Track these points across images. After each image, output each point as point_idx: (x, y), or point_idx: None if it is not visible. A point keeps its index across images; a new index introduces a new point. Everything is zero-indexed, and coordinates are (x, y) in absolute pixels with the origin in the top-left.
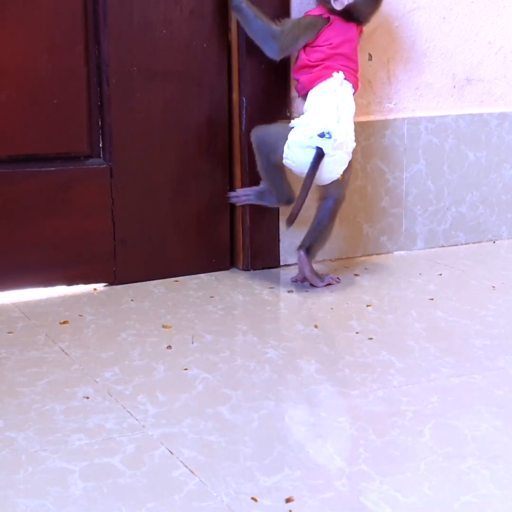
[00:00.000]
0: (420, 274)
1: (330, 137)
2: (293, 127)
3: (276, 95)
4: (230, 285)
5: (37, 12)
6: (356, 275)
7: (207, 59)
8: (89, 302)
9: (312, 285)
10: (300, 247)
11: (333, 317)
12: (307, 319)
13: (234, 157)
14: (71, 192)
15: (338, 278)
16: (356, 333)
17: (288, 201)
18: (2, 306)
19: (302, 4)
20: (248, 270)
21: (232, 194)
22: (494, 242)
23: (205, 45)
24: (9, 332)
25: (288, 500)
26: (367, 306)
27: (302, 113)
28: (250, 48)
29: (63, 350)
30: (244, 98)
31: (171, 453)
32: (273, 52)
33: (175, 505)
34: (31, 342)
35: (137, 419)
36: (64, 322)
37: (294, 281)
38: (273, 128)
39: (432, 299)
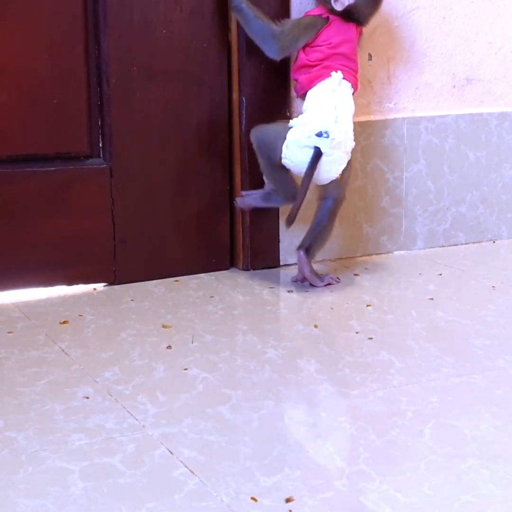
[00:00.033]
0: (420, 274)
1: (327, 137)
2: (291, 127)
3: (276, 95)
4: (230, 285)
5: (37, 12)
6: (356, 275)
7: (207, 59)
8: (89, 302)
9: (312, 285)
10: (299, 247)
11: (333, 317)
12: (307, 319)
13: (234, 157)
14: (71, 192)
15: (338, 278)
16: (356, 333)
17: (295, 198)
18: (2, 306)
19: (302, 4)
20: (248, 270)
21: (238, 199)
22: (494, 242)
23: (205, 45)
24: (9, 332)
25: (288, 500)
26: (367, 306)
27: (302, 113)
28: (250, 48)
29: (63, 350)
30: (244, 98)
31: (171, 453)
32: (273, 52)
33: (175, 505)
34: (31, 342)
35: (137, 419)
36: (64, 322)
37: (294, 281)
38: (272, 128)
39: (432, 299)
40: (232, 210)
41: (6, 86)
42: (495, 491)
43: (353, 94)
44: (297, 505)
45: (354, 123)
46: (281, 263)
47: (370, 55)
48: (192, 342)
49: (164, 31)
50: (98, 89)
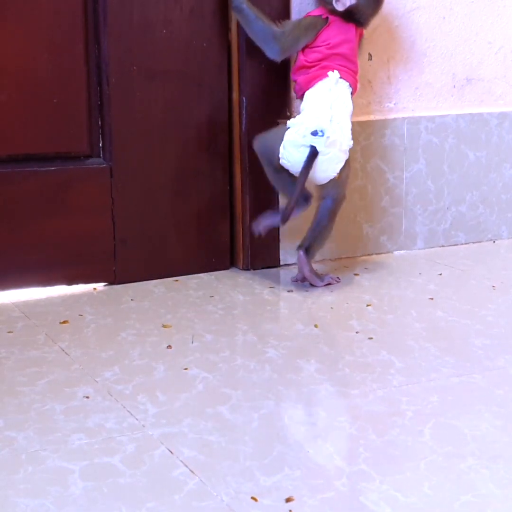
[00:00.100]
0: (420, 273)
1: (323, 135)
2: (289, 127)
3: (276, 95)
4: (230, 285)
5: (37, 12)
6: (356, 274)
7: (207, 59)
8: (89, 301)
9: (312, 285)
10: (299, 247)
11: (333, 316)
12: (307, 319)
13: (234, 157)
14: (71, 192)
15: (338, 277)
16: (356, 332)
17: (307, 200)
18: (2, 305)
19: (302, 4)
20: (248, 269)
21: (254, 224)
22: (494, 241)
23: (205, 45)
24: (9, 332)
25: (288, 500)
26: (367, 305)
27: (299, 113)
28: (250, 48)
29: (63, 350)
30: (244, 98)
31: (171, 452)
32: (274, 53)
33: (175, 505)
34: (31, 341)
35: (137, 419)
36: (64, 322)
37: (294, 281)
38: (271, 132)
39: (432, 298)
40: (232, 210)
41: (6, 86)
42: (495, 491)
43: (352, 94)
44: (297, 505)
45: (354, 123)
46: (281, 263)
47: (370, 55)
48: (192, 342)
49: (164, 31)
50: (98, 89)
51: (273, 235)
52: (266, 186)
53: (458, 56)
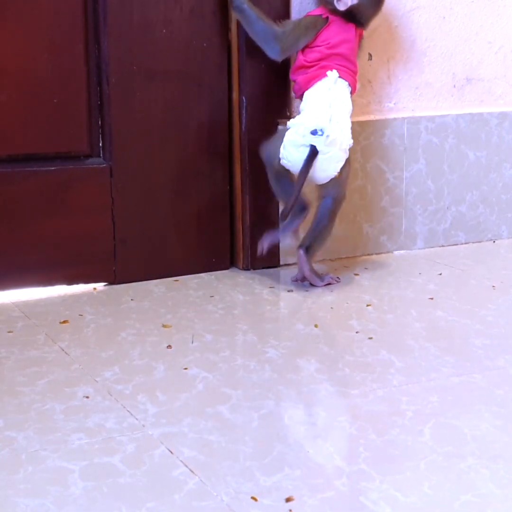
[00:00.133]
0: (420, 273)
1: (322, 134)
2: (289, 128)
3: (276, 94)
4: (230, 285)
5: (37, 12)
6: (356, 274)
7: (207, 59)
8: (89, 301)
9: (312, 285)
10: (299, 246)
11: (333, 316)
12: (307, 319)
13: (234, 157)
14: (71, 192)
15: (338, 277)
16: (356, 332)
17: (303, 210)
18: (2, 305)
19: (302, 4)
20: (248, 269)
21: (258, 244)
22: (494, 241)
23: (205, 45)
24: (9, 332)
25: (288, 500)
26: (367, 305)
27: (299, 114)
28: (250, 48)
29: (63, 350)
30: (244, 98)
31: (171, 452)
32: (274, 53)
33: (175, 505)
34: (31, 341)
35: (137, 419)
36: (64, 322)
37: (294, 280)
38: (274, 137)
39: (432, 298)
40: (232, 210)
41: (6, 86)
42: (495, 490)
43: (351, 94)
44: (297, 504)
45: (354, 122)
46: (281, 263)
47: (370, 55)
48: (192, 342)
49: (164, 30)
50: (98, 88)
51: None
52: (266, 186)
53: (458, 56)
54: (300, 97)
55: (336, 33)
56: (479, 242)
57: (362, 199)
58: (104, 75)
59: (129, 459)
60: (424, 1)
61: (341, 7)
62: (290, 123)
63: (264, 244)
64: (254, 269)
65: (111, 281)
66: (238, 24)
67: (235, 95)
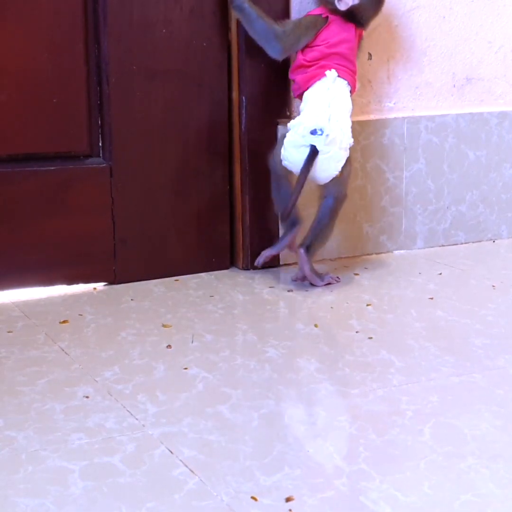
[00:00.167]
0: (420, 273)
1: (322, 134)
2: (289, 129)
3: (276, 94)
4: (230, 285)
5: (37, 12)
6: (356, 274)
7: (207, 59)
8: (89, 301)
9: (312, 284)
10: (300, 245)
11: (333, 316)
12: (307, 318)
13: (234, 157)
14: (71, 192)
15: (338, 277)
16: (356, 332)
17: (294, 224)
18: (2, 305)
19: (302, 4)
20: (248, 269)
21: (256, 261)
22: (494, 241)
23: (205, 45)
24: (9, 331)
25: (288, 499)
26: (367, 305)
27: (299, 114)
28: (250, 47)
29: (63, 350)
30: (244, 98)
31: (171, 452)
32: (276, 52)
33: (175, 505)
34: (31, 341)
35: (137, 419)
36: (64, 322)
37: (294, 280)
38: (278, 143)
39: (432, 298)
40: (232, 210)
41: (6, 86)
42: (495, 490)
43: (351, 93)
44: (297, 504)
45: (354, 122)
46: (281, 262)
47: (370, 55)
48: (192, 342)
49: (164, 30)
50: (98, 88)
51: (273, 235)
52: (266, 186)
53: (458, 55)
54: (299, 96)
55: (336, 32)
56: (479, 241)
57: (362, 199)
58: (104, 75)
59: (129, 459)
60: (424, 0)
61: (342, 7)
62: (290, 124)
63: (260, 260)
64: (254, 269)
65: (111, 281)
66: (238, 24)
67: (235, 95)
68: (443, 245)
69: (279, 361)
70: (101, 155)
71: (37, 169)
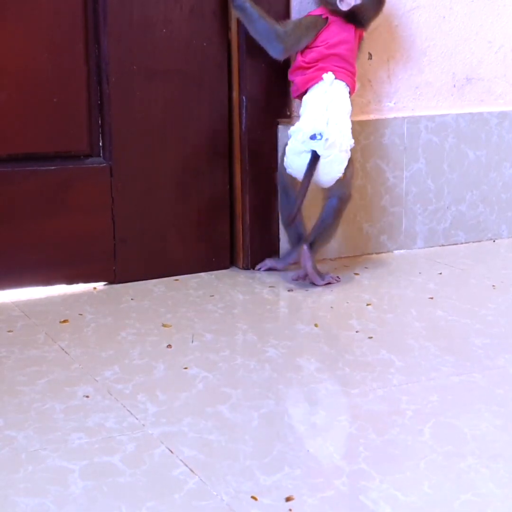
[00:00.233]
0: (420, 273)
1: (321, 138)
2: (290, 136)
3: (277, 94)
4: (230, 284)
5: (37, 12)
6: (356, 274)
7: (207, 58)
8: (89, 301)
9: (312, 283)
10: (304, 241)
11: (333, 316)
12: (307, 318)
13: (234, 157)
14: (71, 191)
15: (338, 277)
16: (356, 332)
17: (299, 239)
18: (2, 305)
19: (302, 4)
20: (248, 269)
21: (259, 265)
22: (494, 241)
23: (205, 44)
24: (9, 331)
25: (288, 499)
26: (367, 305)
27: (299, 117)
28: (251, 47)
29: (63, 349)
30: (244, 97)
31: (171, 452)
32: (277, 52)
33: (175, 504)
34: (31, 341)
35: (137, 418)
36: (64, 321)
37: (295, 279)
38: (282, 155)
39: (432, 298)
40: (232, 209)
41: (6, 85)
42: (495, 490)
43: (350, 94)
44: (297, 504)
45: (354, 122)
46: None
47: (370, 54)
48: (192, 341)
49: (164, 30)
50: (98, 88)
51: (273, 235)
52: (266, 186)
53: (458, 55)
54: (298, 97)
55: (336, 33)
56: (479, 241)
57: (362, 198)
58: (104, 75)
59: (129, 459)
60: (424, 0)
61: (344, 7)
62: (290, 131)
63: (262, 268)
64: (254, 268)
65: (111, 281)
66: (238, 24)
67: (235, 94)
68: (443, 245)
69: (279, 361)
70: (101, 155)
71: (37, 169)
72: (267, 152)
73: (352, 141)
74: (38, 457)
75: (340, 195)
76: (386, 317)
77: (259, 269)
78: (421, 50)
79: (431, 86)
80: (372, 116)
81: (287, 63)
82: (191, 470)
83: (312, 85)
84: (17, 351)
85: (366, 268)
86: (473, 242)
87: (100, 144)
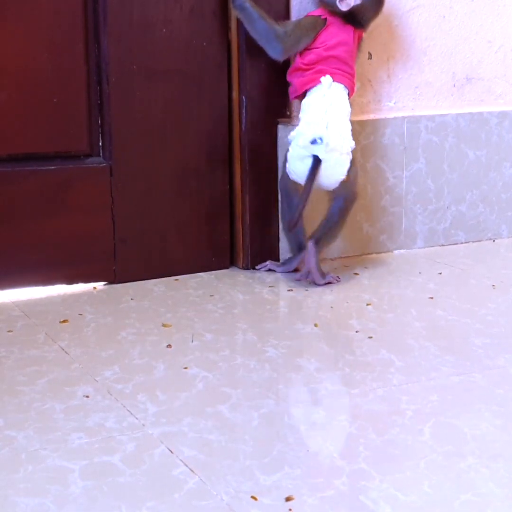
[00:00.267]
0: (420, 273)
1: (322, 142)
2: (291, 141)
3: (276, 94)
4: (230, 284)
5: (37, 12)
6: (356, 274)
7: (207, 58)
8: (89, 301)
9: (312, 283)
10: (310, 238)
11: (333, 315)
12: (307, 318)
13: (234, 157)
14: (71, 191)
15: (338, 277)
16: (356, 331)
17: (300, 248)
18: (2, 305)
19: (302, 4)
20: (248, 269)
21: (260, 265)
22: (494, 241)
23: (205, 44)
24: (9, 331)
25: (288, 499)
26: (367, 304)
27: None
28: (250, 47)
29: (63, 349)
30: (244, 97)
31: (171, 452)
32: (276, 53)
33: (175, 504)
34: (31, 341)
35: (137, 418)
36: (64, 321)
37: (298, 279)
38: (284, 163)
39: (432, 297)
40: (232, 209)
41: (6, 85)
42: (495, 490)
43: (349, 95)
44: (297, 503)
45: (354, 122)
46: (281, 262)
47: (370, 54)
48: (192, 341)
49: (164, 30)
50: (98, 88)
51: (273, 235)
52: (266, 185)
53: (458, 55)
54: (296, 98)
55: (334, 35)
56: (479, 241)
57: (362, 198)
58: (104, 75)
59: (129, 459)
60: (424, 0)
61: (344, 7)
62: (290, 136)
63: (263, 269)
64: (254, 268)
65: (111, 281)
66: (238, 24)
67: (235, 94)
68: (443, 245)
69: (279, 361)
70: (101, 154)
71: (37, 169)
72: (267, 152)
73: (353, 143)
74: (38, 457)
75: (345, 196)
76: (386, 317)
77: (259, 269)
78: (421, 50)
79: (431, 85)
80: (372, 116)
81: (287, 64)
82: (191, 470)
83: (310, 88)
84: (17, 351)
85: (366, 268)
86: (473, 242)
87: (100, 144)
